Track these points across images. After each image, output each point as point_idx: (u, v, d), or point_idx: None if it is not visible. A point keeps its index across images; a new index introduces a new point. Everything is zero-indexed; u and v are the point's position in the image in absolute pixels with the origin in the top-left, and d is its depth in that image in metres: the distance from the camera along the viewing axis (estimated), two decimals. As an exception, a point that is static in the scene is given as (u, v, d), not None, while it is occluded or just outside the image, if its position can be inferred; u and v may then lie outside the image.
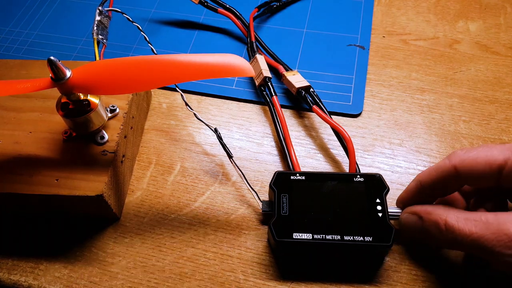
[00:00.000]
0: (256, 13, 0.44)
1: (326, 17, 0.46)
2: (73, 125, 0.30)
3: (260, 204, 0.31)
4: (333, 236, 0.28)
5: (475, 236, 0.24)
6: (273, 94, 0.36)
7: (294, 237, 0.28)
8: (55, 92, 0.28)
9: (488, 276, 0.29)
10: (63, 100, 0.29)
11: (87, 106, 0.29)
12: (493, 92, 0.39)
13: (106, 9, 0.36)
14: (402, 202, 0.29)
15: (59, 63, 0.25)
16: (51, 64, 0.25)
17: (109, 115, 0.32)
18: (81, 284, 0.30)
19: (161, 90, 0.40)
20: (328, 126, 0.35)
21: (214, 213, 0.33)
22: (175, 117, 0.38)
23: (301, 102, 0.38)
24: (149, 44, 0.35)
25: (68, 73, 0.26)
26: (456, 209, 0.26)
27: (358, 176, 0.30)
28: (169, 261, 0.31)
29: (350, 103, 0.38)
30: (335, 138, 0.35)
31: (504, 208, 0.28)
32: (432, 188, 0.28)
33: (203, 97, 0.40)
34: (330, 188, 0.29)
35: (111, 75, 0.27)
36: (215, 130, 0.33)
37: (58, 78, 0.26)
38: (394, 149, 0.36)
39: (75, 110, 0.29)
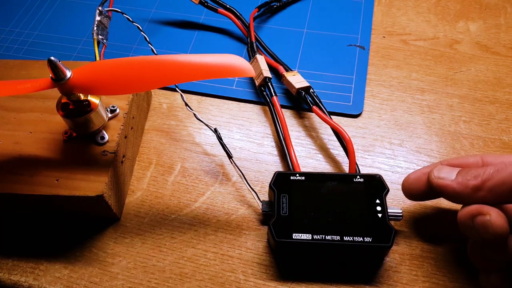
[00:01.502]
0: (256, 13, 0.44)
1: (326, 17, 0.46)
2: (73, 125, 0.30)
3: (260, 204, 0.31)
4: (333, 236, 0.28)
5: None
6: (273, 94, 0.36)
7: (293, 237, 0.28)
8: (55, 92, 0.28)
9: None
10: (63, 100, 0.29)
11: (87, 107, 0.29)
12: (493, 93, 0.39)
13: (106, 9, 0.36)
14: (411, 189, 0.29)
15: (59, 63, 0.25)
16: (51, 64, 0.25)
17: (110, 115, 0.32)
18: (82, 285, 0.30)
19: (161, 90, 0.40)
20: (328, 126, 0.35)
21: (215, 213, 0.33)
22: (175, 117, 0.38)
23: (301, 102, 0.38)
24: (149, 44, 0.35)
25: (68, 74, 0.26)
26: None
27: (358, 177, 0.30)
28: (169, 261, 0.31)
29: (350, 104, 0.38)
30: (335, 138, 0.35)
31: None
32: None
33: (203, 97, 0.40)
34: (330, 189, 0.29)
35: (111, 76, 0.27)
36: (215, 130, 0.33)
37: (58, 79, 0.26)
38: (394, 149, 0.36)
39: (75, 110, 0.29)
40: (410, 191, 0.29)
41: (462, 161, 0.28)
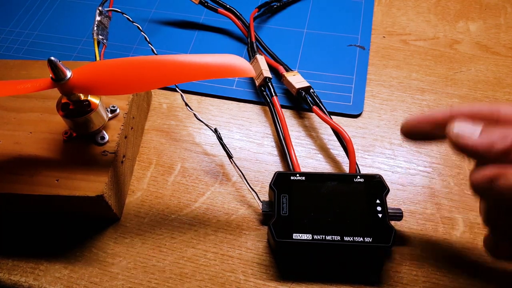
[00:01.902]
0: (256, 13, 0.44)
1: (326, 17, 0.46)
2: (73, 125, 0.30)
3: (260, 204, 0.31)
4: (333, 236, 0.28)
5: None
6: (273, 94, 0.36)
7: (293, 237, 0.28)
8: (55, 93, 0.28)
9: None
10: (64, 100, 0.29)
11: (88, 107, 0.29)
12: (493, 93, 0.39)
13: (106, 9, 0.36)
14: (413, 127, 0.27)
15: (60, 64, 0.25)
16: (52, 64, 0.25)
17: (110, 115, 0.32)
18: (82, 285, 0.30)
19: (161, 90, 0.40)
20: (328, 126, 0.35)
21: (215, 213, 0.33)
22: (175, 118, 0.38)
23: (301, 102, 0.38)
24: (149, 44, 0.35)
25: (69, 74, 0.26)
26: None
27: (358, 177, 0.30)
28: (169, 261, 0.31)
29: (351, 104, 0.38)
30: (335, 138, 0.35)
31: None
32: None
33: (203, 98, 0.40)
34: (330, 189, 0.29)
35: (112, 76, 0.27)
36: (215, 131, 0.33)
37: (58, 79, 0.26)
38: (394, 149, 0.36)
39: (75, 110, 0.29)
40: (410, 131, 0.27)
41: (475, 109, 0.25)
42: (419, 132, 0.27)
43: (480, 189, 0.23)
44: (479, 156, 0.23)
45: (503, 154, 0.22)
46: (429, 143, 0.28)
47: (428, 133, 0.26)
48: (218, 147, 0.36)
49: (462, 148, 0.24)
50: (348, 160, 0.33)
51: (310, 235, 0.28)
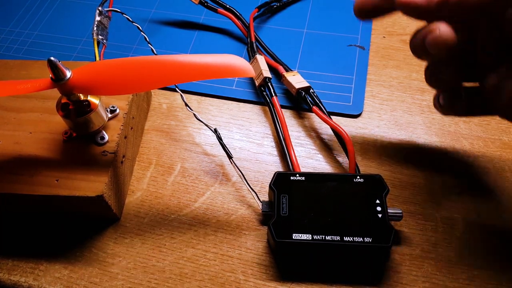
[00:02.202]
0: (256, 14, 0.44)
1: (326, 17, 0.46)
2: (73, 125, 0.30)
3: (260, 204, 0.31)
4: (333, 236, 0.28)
5: None
6: (273, 94, 0.36)
7: (293, 237, 0.28)
8: (55, 93, 0.28)
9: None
10: (63, 100, 0.29)
11: (87, 107, 0.29)
12: (493, 93, 0.39)
13: (106, 9, 0.36)
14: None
15: (59, 64, 0.26)
16: (51, 64, 0.25)
17: (109, 115, 0.32)
18: (81, 285, 0.30)
19: (161, 90, 0.40)
20: (328, 126, 0.35)
21: (214, 213, 0.33)
22: (175, 118, 0.38)
23: (301, 102, 0.38)
24: (149, 44, 0.35)
25: (68, 74, 0.26)
26: None
27: (358, 177, 0.30)
28: (169, 261, 0.31)
29: (350, 104, 0.38)
30: (335, 138, 0.35)
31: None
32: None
33: (203, 98, 0.40)
34: (330, 189, 0.29)
35: (111, 76, 0.27)
36: (215, 131, 0.34)
37: (58, 79, 0.26)
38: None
39: (75, 110, 0.29)
40: (362, 7, 0.29)
41: None
42: (371, 6, 0.29)
43: (417, 49, 0.26)
44: (422, 13, 0.26)
45: (439, 7, 0.25)
46: (382, 17, 0.30)
47: (379, 6, 0.29)
48: (218, 147, 0.36)
49: (405, 7, 0.27)
50: (348, 160, 0.33)
51: (310, 235, 0.28)
